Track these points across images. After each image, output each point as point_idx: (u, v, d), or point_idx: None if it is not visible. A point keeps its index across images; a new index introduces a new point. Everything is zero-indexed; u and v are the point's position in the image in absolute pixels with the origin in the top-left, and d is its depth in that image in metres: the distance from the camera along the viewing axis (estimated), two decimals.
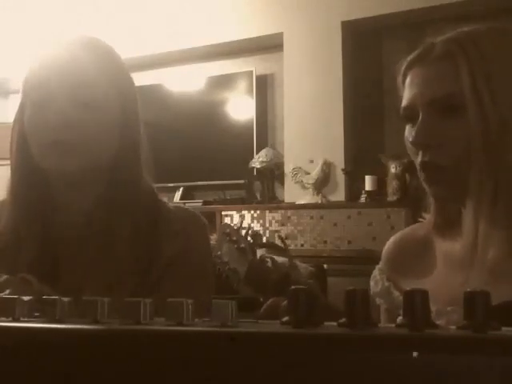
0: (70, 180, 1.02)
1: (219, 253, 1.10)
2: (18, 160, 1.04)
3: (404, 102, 0.91)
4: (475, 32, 0.89)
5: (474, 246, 0.86)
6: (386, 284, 0.98)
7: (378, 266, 1.02)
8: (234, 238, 1.11)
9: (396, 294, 0.96)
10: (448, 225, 0.94)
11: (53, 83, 0.99)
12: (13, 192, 1.04)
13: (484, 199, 0.84)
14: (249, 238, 1.13)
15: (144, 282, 0.96)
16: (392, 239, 1.04)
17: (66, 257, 1.01)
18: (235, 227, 1.07)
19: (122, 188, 1.02)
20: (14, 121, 1.06)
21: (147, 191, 1.06)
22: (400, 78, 0.94)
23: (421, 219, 1.02)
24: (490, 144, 0.83)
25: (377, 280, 1.00)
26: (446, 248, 0.94)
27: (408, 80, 0.91)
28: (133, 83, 1.09)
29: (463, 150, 0.85)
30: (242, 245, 1.12)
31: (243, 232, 1.11)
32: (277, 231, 4.00)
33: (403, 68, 0.93)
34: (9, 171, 1.06)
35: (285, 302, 0.90)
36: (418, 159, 0.89)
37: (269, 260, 1.13)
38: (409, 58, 0.92)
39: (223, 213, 4.18)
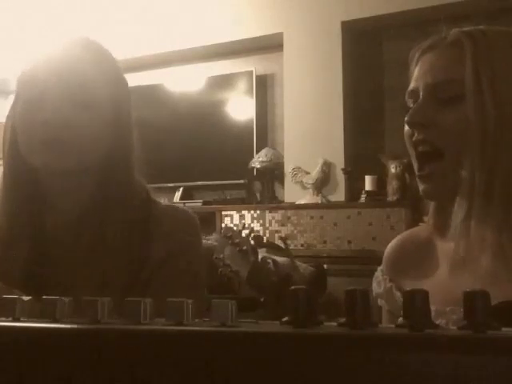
0: (61, 179, 1.02)
1: (221, 255, 1.10)
2: (11, 159, 1.03)
3: (410, 86, 0.93)
4: (488, 29, 0.90)
5: (467, 245, 0.86)
6: (389, 285, 0.98)
7: (380, 268, 1.02)
8: (237, 241, 1.11)
9: (398, 295, 0.96)
10: (447, 225, 0.94)
11: (48, 82, 0.99)
12: (5, 191, 1.04)
13: (476, 194, 0.84)
14: (251, 242, 1.13)
15: (135, 282, 0.96)
16: (394, 241, 1.04)
17: (57, 256, 1.01)
18: (237, 229, 1.08)
19: (112, 188, 1.02)
20: (7, 120, 1.05)
21: (139, 191, 1.06)
22: (414, 64, 0.95)
23: (421, 224, 1.02)
24: (485, 137, 0.83)
25: (379, 281, 1.00)
26: (447, 248, 0.94)
27: (417, 67, 0.93)
28: (126, 84, 1.09)
29: (458, 138, 0.85)
30: (244, 247, 1.12)
31: (244, 233, 1.12)
32: (277, 231, 4.00)
33: (416, 56, 0.94)
34: None
35: None
36: (412, 139, 0.89)
37: (270, 261, 1.14)
38: (422, 46, 0.93)
39: (223, 213, 4.18)
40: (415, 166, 0.90)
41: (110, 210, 1.00)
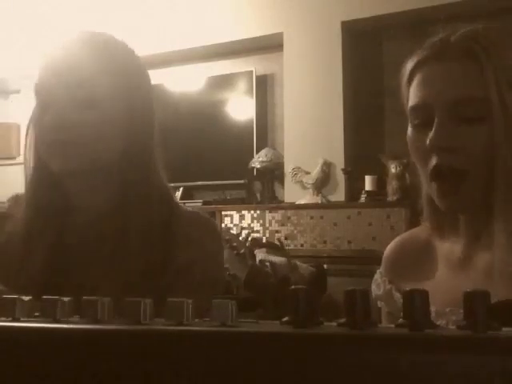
0: (78, 180, 1.01)
1: None
2: (33, 160, 1.04)
3: (415, 101, 0.87)
4: (489, 32, 0.86)
5: (475, 248, 0.85)
6: (388, 287, 0.98)
7: (379, 270, 1.02)
8: (234, 244, 1.11)
9: (397, 296, 0.95)
10: (444, 227, 0.93)
11: (53, 84, 0.98)
12: (27, 192, 1.04)
13: (504, 209, 0.81)
14: (248, 243, 1.13)
15: (155, 285, 0.95)
16: (393, 243, 1.03)
17: (79, 257, 1.00)
18: (235, 233, 1.07)
19: (132, 188, 0.99)
20: (28, 122, 1.05)
21: (161, 191, 1.04)
22: (405, 78, 0.90)
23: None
24: None
25: (378, 283, 1.00)
26: (446, 249, 0.94)
27: (419, 78, 0.87)
28: (143, 79, 1.04)
29: (483, 156, 0.82)
30: (242, 250, 1.12)
31: (243, 233, 1.11)
32: (277, 231, 4.00)
33: (411, 66, 0.89)
34: (8, 170, 1.06)
35: None
36: (432, 163, 0.85)
37: (268, 264, 1.14)
38: (418, 56, 0.88)
39: (223, 213, 4.18)
40: (433, 183, 0.86)
41: (129, 212, 0.98)
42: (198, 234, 1.03)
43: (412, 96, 0.88)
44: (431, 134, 0.83)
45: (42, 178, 1.03)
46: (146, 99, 1.04)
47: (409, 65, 0.90)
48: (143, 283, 0.94)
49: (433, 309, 0.81)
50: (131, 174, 1.00)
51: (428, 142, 0.84)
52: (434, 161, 0.84)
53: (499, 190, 0.82)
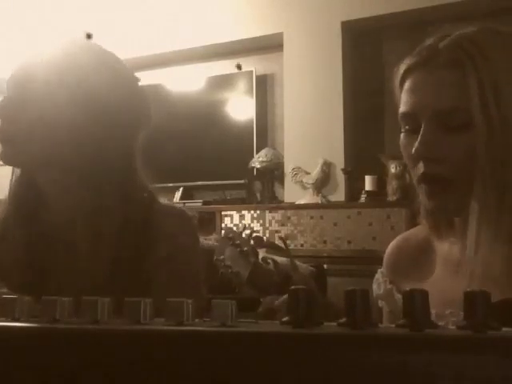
0: (51, 181, 1.02)
1: (222, 257, 1.10)
2: None
3: (404, 108, 0.87)
4: (478, 37, 0.85)
5: (475, 254, 0.85)
6: (388, 287, 0.98)
7: (380, 270, 1.02)
8: (238, 242, 1.11)
9: (398, 296, 0.96)
10: (441, 227, 0.93)
11: (8, 80, 1.01)
12: (9, 191, 1.05)
13: (489, 211, 0.82)
14: (252, 242, 1.13)
15: (134, 282, 0.96)
16: (394, 242, 1.03)
17: (54, 255, 1.01)
18: (238, 230, 1.07)
19: (107, 191, 1.00)
20: None
21: (138, 192, 1.04)
22: (397, 81, 0.90)
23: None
24: (495, 160, 0.81)
25: (379, 283, 1.00)
26: (445, 250, 0.94)
27: (408, 84, 0.87)
28: (99, 75, 1.01)
29: (467, 164, 0.82)
30: (245, 248, 1.12)
31: (245, 233, 1.11)
32: (277, 231, 4.00)
33: (402, 70, 0.89)
34: (8, 171, 1.06)
35: (278, 301, 0.89)
36: (420, 170, 0.86)
37: (270, 262, 1.14)
38: (409, 61, 0.88)
39: (223, 213, 4.18)
40: (421, 185, 0.87)
41: (104, 213, 0.99)
42: (172, 229, 1.04)
43: (402, 102, 0.88)
44: (416, 144, 0.84)
45: (20, 178, 1.04)
46: (100, 101, 1.00)
47: (401, 68, 0.89)
48: (121, 281, 0.95)
49: (432, 311, 0.81)
50: (106, 177, 1.00)
51: (413, 151, 0.84)
52: (421, 168, 0.85)
53: (476, 195, 0.82)
